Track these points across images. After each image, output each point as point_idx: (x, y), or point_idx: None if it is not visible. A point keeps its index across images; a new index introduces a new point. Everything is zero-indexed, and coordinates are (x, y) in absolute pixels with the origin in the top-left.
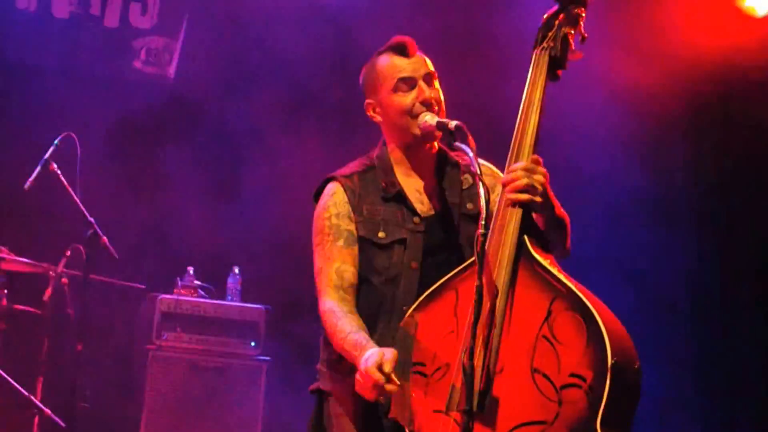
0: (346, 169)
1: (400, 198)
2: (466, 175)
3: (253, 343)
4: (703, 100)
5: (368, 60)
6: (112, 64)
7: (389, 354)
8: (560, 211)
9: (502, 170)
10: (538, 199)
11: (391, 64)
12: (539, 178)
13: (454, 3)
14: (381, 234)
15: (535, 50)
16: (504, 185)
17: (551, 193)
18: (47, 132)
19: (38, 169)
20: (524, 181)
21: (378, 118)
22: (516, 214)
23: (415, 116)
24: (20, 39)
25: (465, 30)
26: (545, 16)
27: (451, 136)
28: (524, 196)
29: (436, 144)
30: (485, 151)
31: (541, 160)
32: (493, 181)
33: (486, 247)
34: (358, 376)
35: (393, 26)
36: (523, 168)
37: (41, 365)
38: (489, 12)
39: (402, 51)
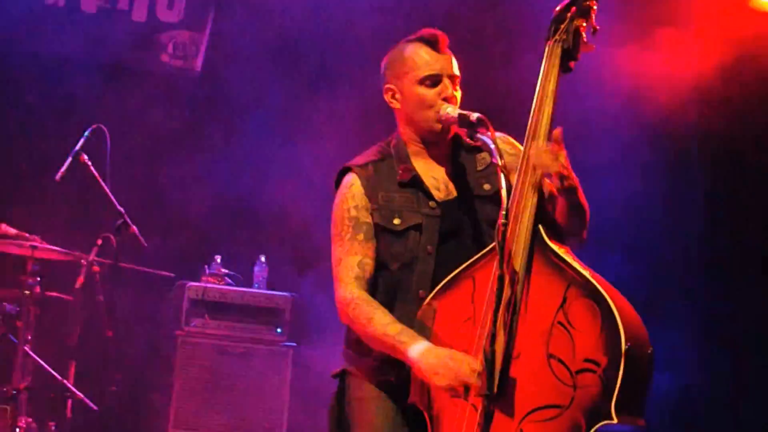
0: (362, 158)
1: (416, 183)
2: (483, 155)
3: (278, 330)
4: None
5: (395, 45)
6: (139, 57)
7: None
8: (582, 196)
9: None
10: (565, 183)
11: (419, 56)
12: (561, 157)
13: None
14: (396, 221)
15: (548, 43)
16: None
17: (575, 177)
18: (77, 124)
19: (69, 160)
20: (541, 158)
21: (396, 105)
22: (532, 199)
23: (435, 110)
24: (49, 33)
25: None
26: (557, 8)
27: (472, 128)
28: (565, 173)
29: (449, 135)
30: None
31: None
32: (514, 160)
33: (504, 235)
34: (425, 366)
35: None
36: (542, 150)
37: (73, 350)
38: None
39: (434, 45)
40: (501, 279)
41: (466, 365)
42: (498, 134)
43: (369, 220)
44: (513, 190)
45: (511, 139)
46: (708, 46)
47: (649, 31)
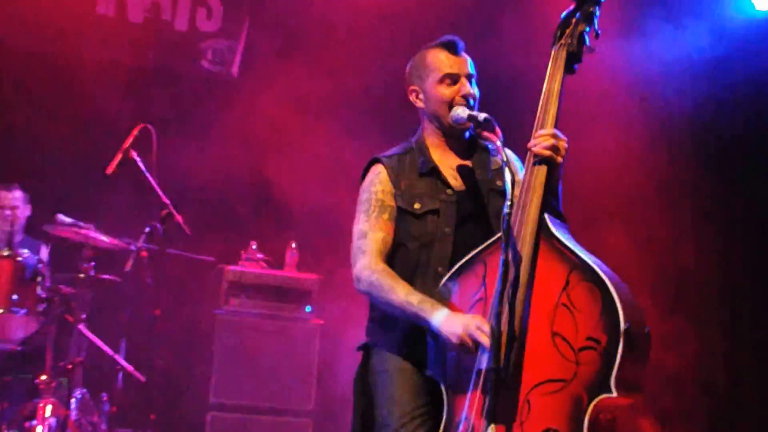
0: (388, 152)
1: (434, 173)
2: (496, 159)
3: (308, 308)
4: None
5: (418, 51)
6: (181, 63)
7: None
8: (560, 183)
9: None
10: (560, 159)
11: (439, 59)
12: (563, 143)
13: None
14: (417, 205)
15: (554, 47)
16: (531, 148)
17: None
18: (126, 123)
19: (119, 156)
20: (550, 141)
21: (419, 104)
22: (539, 176)
23: (452, 108)
24: (100, 40)
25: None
26: (563, 14)
27: (480, 127)
28: (548, 153)
29: (467, 132)
30: (507, 143)
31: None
32: (515, 167)
33: (511, 224)
34: (447, 328)
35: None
36: (551, 133)
37: (124, 328)
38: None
39: (452, 48)
40: (506, 263)
41: (483, 326)
42: (507, 151)
43: (393, 204)
44: (521, 183)
45: (513, 154)
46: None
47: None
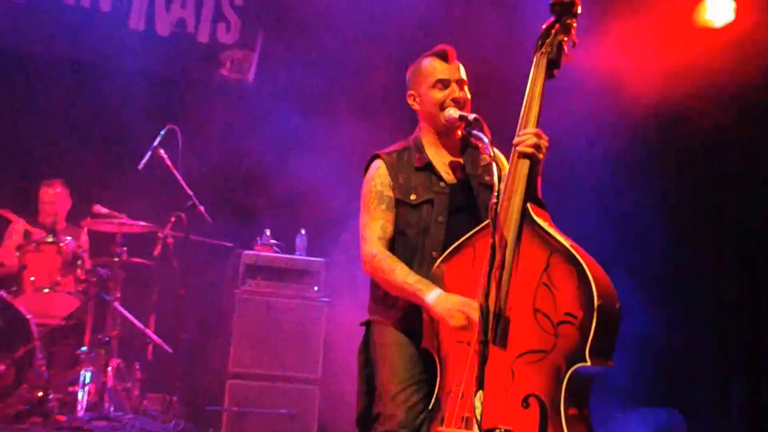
0: (388, 149)
1: (428, 167)
2: (485, 156)
3: (315, 288)
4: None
5: (414, 60)
6: (204, 71)
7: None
8: (541, 173)
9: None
10: (541, 155)
11: (433, 66)
12: (544, 141)
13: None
14: (413, 197)
15: (536, 54)
16: (516, 145)
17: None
18: (155, 125)
19: (149, 154)
20: (533, 139)
21: (416, 106)
22: (522, 169)
23: (443, 109)
24: (131, 52)
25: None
26: (543, 26)
27: (470, 126)
28: (531, 150)
29: (459, 131)
30: (495, 137)
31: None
32: (502, 165)
33: (498, 213)
34: (440, 309)
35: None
36: (534, 132)
37: (153, 305)
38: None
39: (444, 57)
40: (493, 247)
41: (474, 309)
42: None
43: (391, 195)
44: (507, 176)
45: (500, 153)
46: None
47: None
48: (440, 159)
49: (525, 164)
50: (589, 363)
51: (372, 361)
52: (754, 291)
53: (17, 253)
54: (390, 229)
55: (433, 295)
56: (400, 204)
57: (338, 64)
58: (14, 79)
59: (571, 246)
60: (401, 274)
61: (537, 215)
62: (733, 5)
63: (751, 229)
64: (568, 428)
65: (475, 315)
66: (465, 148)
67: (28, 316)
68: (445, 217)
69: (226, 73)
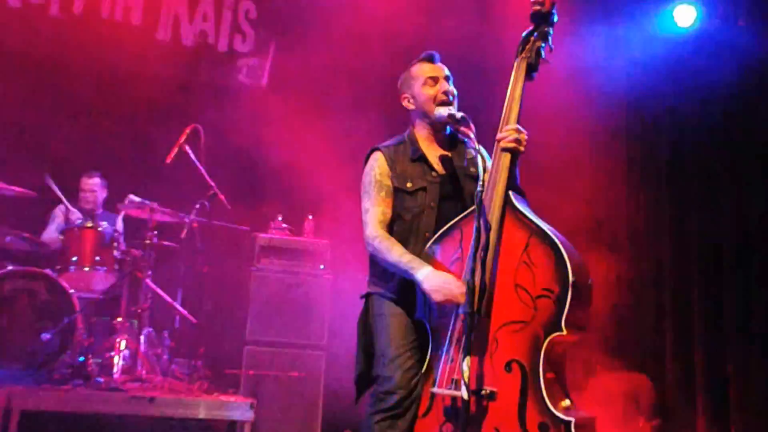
0: (386, 143)
1: (422, 159)
2: (470, 150)
3: (321, 266)
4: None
5: (405, 69)
6: (223, 77)
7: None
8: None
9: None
10: (521, 148)
11: (422, 68)
12: (523, 136)
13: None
14: (409, 185)
15: (516, 59)
16: (499, 140)
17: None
18: (181, 124)
19: (175, 149)
20: (515, 135)
21: (410, 107)
22: (505, 161)
23: (438, 103)
24: (159, 60)
25: (467, 44)
26: (524, 33)
27: (458, 123)
28: (513, 144)
29: (448, 127)
30: (480, 133)
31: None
32: (485, 158)
33: (483, 199)
34: (428, 285)
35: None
36: (515, 128)
37: (179, 281)
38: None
39: (430, 59)
40: (478, 230)
41: (456, 287)
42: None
43: (389, 183)
44: (490, 168)
45: (483, 150)
46: None
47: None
48: (432, 152)
49: (507, 157)
50: (564, 332)
51: (371, 329)
52: (718, 266)
53: (61, 237)
54: (389, 213)
55: (423, 272)
56: (397, 191)
57: (339, 69)
58: (58, 86)
59: (548, 229)
60: (397, 253)
61: (517, 201)
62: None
63: (716, 205)
64: (546, 390)
65: (456, 291)
66: (454, 143)
67: (71, 291)
68: (436, 202)
69: (243, 78)
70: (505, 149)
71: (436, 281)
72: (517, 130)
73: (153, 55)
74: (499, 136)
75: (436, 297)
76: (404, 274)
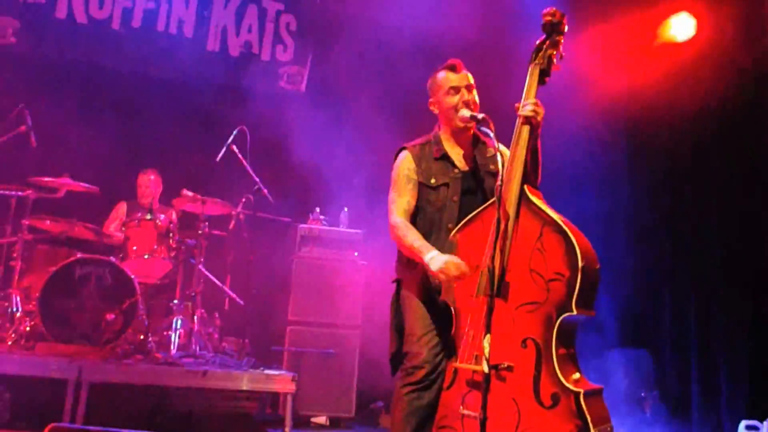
0: (413, 142)
1: (445, 158)
2: (491, 149)
3: (356, 253)
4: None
5: (432, 73)
6: (266, 83)
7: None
8: (539, 147)
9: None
10: (539, 118)
11: (445, 77)
12: (541, 110)
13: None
14: (432, 180)
15: (530, 65)
16: (517, 109)
17: (540, 127)
18: (229, 126)
19: (224, 149)
20: (533, 106)
21: (435, 111)
22: (524, 134)
23: (458, 111)
24: (209, 69)
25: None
26: (537, 42)
27: (479, 123)
28: (531, 113)
29: (471, 129)
30: (500, 134)
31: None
32: (504, 156)
33: (501, 193)
34: (433, 266)
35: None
36: (534, 102)
37: (228, 268)
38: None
39: (453, 68)
40: (498, 220)
41: (454, 268)
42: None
43: (415, 178)
44: (507, 164)
45: (504, 147)
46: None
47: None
48: (454, 151)
49: (526, 129)
50: (575, 312)
51: (401, 310)
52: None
53: (123, 228)
54: (413, 203)
55: (429, 255)
56: (422, 186)
57: (370, 74)
58: (118, 92)
59: (560, 219)
60: (411, 239)
61: (532, 195)
62: (694, 22)
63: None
64: (558, 364)
65: (454, 272)
66: (475, 143)
67: (132, 277)
68: (458, 197)
69: (284, 84)
70: (523, 116)
71: (439, 263)
72: (535, 103)
73: (204, 64)
74: (518, 106)
75: (440, 277)
76: (415, 257)
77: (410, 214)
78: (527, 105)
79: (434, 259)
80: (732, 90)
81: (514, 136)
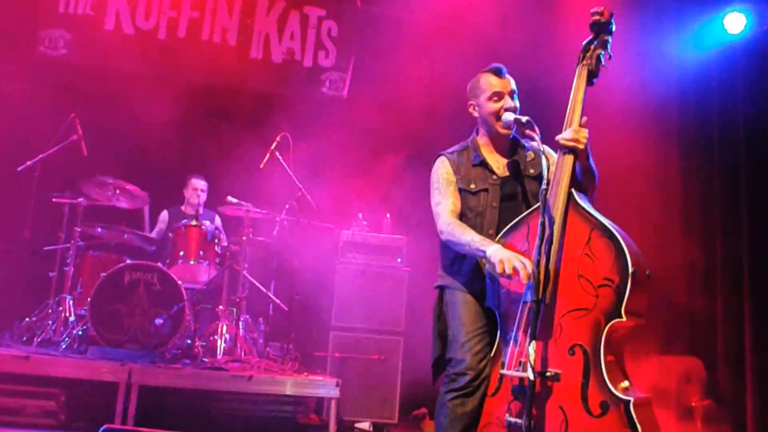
0: (450, 150)
1: (483, 164)
2: (530, 152)
3: (399, 259)
4: None
5: (475, 75)
6: (309, 89)
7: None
8: (592, 162)
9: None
10: (581, 146)
11: (488, 82)
12: (583, 134)
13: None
14: (472, 186)
15: (578, 66)
16: (558, 140)
17: (588, 148)
18: (272, 133)
19: (267, 155)
20: (572, 135)
21: (475, 114)
22: (568, 162)
23: (500, 118)
24: (253, 76)
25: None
26: (584, 42)
27: (523, 127)
28: (571, 143)
29: (510, 134)
30: (545, 134)
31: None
32: (549, 158)
33: (547, 197)
34: (497, 256)
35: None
36: (573, 130)
37: (272, 273)
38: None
39: (497, 73)
40: (543, 225)
41: (518, 261)
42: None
43: (455, 181)
44: (555, 167)
45: (549, 148)
46: None
47: None
48: (492, 157)
49: (569, 158)
50: (624, 319)
51: (444, 317)
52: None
53: (170, 234)
54: (458, 205)
55: (492, 248)
56: (462, 192)
57: (411, 79)
58: (164, 101)
59: (609, 223)
60: (469, 236)
61: (580, 199)
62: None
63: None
64: (606, 372)
65: (518, 263)
66: (514, 148)
67: (179, 282)
68: (498, 203)
69: (326, 90)
70: (563, 148)
71: (504, 253)
72: (575, 131)
73: (247, 71)
74: (558, 137)
75: (500, 268)
76: (475, 253)
77: (458, 215)
78: (566, 134)
79: (498, 250)
80: None
81: (557, 161)
